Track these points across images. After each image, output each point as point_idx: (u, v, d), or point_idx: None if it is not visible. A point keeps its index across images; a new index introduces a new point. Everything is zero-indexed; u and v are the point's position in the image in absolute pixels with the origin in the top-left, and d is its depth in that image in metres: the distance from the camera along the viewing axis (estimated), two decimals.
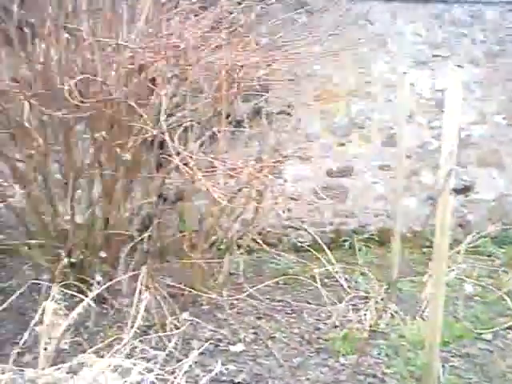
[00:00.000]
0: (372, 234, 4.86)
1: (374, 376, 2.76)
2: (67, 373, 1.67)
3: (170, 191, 3.90)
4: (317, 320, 3.40)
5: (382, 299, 3.51)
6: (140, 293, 2.68)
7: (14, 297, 2.12)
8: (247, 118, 3.90)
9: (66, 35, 2.90)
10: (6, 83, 2.83)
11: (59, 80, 2.90)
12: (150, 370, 1.70)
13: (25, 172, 3.09)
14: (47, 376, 1.58)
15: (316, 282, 3.67)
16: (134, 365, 1.65)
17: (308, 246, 4.36)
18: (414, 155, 4.86)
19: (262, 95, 4.37)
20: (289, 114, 4.68)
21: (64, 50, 2.90)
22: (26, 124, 2.83)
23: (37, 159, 2.99)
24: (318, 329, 3.28)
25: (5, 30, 3.06)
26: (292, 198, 4.60)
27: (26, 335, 2.03)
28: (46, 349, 1.65)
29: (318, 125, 4.82)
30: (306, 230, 4.70)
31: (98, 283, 2.16)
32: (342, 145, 4.87)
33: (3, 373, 1.63)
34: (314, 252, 4.07)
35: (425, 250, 4.54)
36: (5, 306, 1.84)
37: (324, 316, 3.44)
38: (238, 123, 3.84)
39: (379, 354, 2.98)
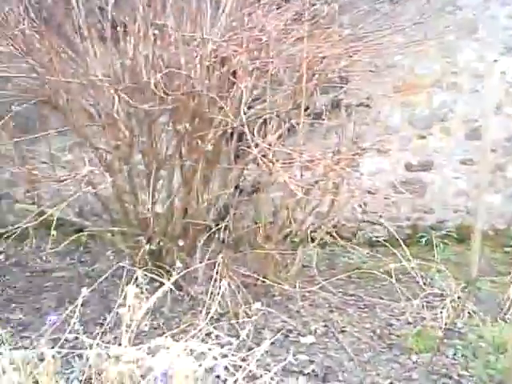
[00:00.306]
0: (450, 231, 4.70)
1: (449, 377, 2.68)
2: (147, 353, 1.78)
3: (246, 183, 3.98)
4: (389, 316, 3.35)
5: (459, 298, 3.40)
6: (215, 281, 2.77)
7: (100, 280, 2.28)
8: (326, 110, 3.88)
9: (154, 31, 3.02)
10: (98, 78, 3.00)
11: (146, 74, 3.05)
12: (224, 356, 1.78)
13: (111, 162, 3.28)
14: (129, 354, 1.69)
15: (390, 278, 3.61)
16: (209, 349, 1.72)
17: (383, 240, 4.29)
18: (500, 149, 4.63)
19: (342, 87, 4.34)
20: (368, 106, 4.61)
21: (151, 45, 3.03)
22: (116, 116, 2.99)
23: (122, 150, 3.16)
24: (391, 325, 3.24)
25: (100, 29, 3.25)
26: (369, 192, 4.54)
27: (109, 316, 2.19)
28: (127, 330, 1.77)
29: (398, 117, 4.70)
30: (381, 224, 4.62)
31: (178, 269, 2.26)
32: (423, 138, 4.73)
33: (90, 348, 1.76)
34: (390, 247, 4.00)
35: (508, 249, 4.34)
36: (90, 288, 1.98)
37: (397, 312, 3.38)
38: (317, 115, 3.83)
39: (455, 354, 2.89)
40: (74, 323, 1.70)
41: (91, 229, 3.48)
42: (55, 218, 2.66)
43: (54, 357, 1.58)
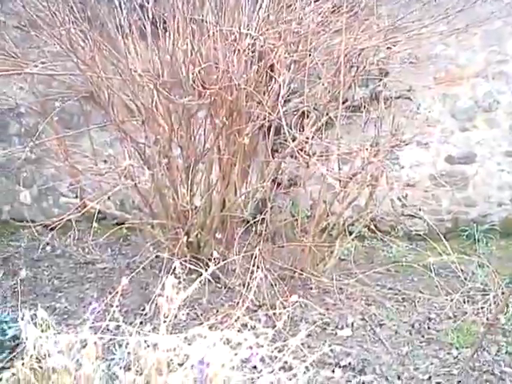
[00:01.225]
0: (494, 225, 4.56)
1: (492, 373, 2.61)
2: (184, 342, 1.82)
3: (283, 176, 3.99)
4: (429, 310, 3.30)
5: (502, 293, 3.31)
6: (252, 273, 2.80)
7: (138, 269, 2.35)
8: (364, 102, 3.84)
9: (193, 27, 3.06)
10: (138, 73, 3.07)
11: (184, 69, 3.10)
12: (260, 346, 1.80)
13: (151, 156, 3.35)
14: (167, 342, 1.73)
15: (430, 272, 3.56)
16: (245, 339, 1.75)
17: (423, 234, 4.22)
18: None
19: (381, 79, 4.28)
20: (408, 98, 4.52)
21: (190, 41, 3.07)
22: (155, 111, 3.05)
23: (162, 144, 3.22)
24: (430, 319, 3.19)
25: (140, 27, 3.32)
26: (408, 185, 4.47)
27: (148, 307, 2.25)
28: (165, 320, 1.81)
29: (440, 109, 4.59)
30: (421, 218, 4.54)
31: (216, 260, 2.29)
32: (465, 129, 4.61)
33: (130, 335, 1.80)
34: (430, 241, 3.93)
35: None
36: (130, 277, 2.04)
37: (437, 306, 3.33)
38: (355, 108, 3.79)
39: (498, 350, 2.81)
40: (114, 312, 1.76)
41: (132, 221, 3.57)
42: (97, 211, 2.75)
43: (95, 343, 1.64)
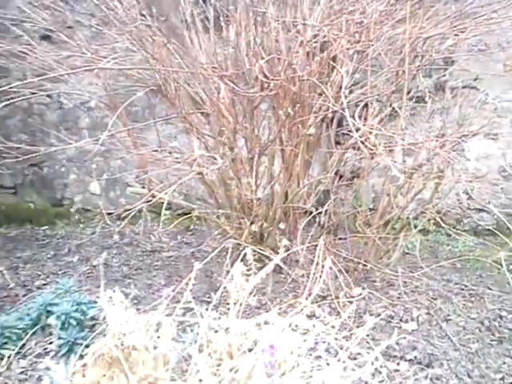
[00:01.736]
0: None
1: None
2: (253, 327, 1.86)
3: (346, 168, 3.96)
4: (499, 307, 3.20)
5: None
6: (317, 264, 2.81)
7: (210, 257, 2.40)
8: (429, 92, 3.75)
9: (256, 18, 3.09)
10: (203, 66, 3.14)
11: (247, 61, 3.14)
12: (328, 334, 1.81)
13: (215, 148, 3.41)
14: (238, 326, 1.78)
15: (500, 267, 3.43)
16: (314, 326, 1.77)
17: (491, 229, 4.07)
18: None
19: (446, 68, 4.15)
20: (475, 87, 4.37)
21: (253, 33, 3.11)
22: (220, 103, 3.11)
23: (226, 135, 3.27)
24: (501, 317, 3.09)
25: (204, 20, 3.39)
26: (476, 177, 4.33)
27: (214, 294, 2.28)
28: (235, 303, 1.86)
29: (510, 98, 4.41)
30: (489, 211, 4.39)
31: (284, 247, 2.32)
32: None
33: (202, 317, 1.86)
34: (500, 235, 3.79)
35: None
36: (203, 263, 2.10)
37: (508, 304, 3.23)
38: (420, 99, 3.71)
39: None
40: (187, 296, 1.82)
41: (197, 211, 3.65)
42: (166, 201, 2.83)
43: (171, 324, 1.71)
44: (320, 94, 3.29)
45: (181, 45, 3.34)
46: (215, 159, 2.82)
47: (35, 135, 5.02)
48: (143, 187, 4.64)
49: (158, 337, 1.69)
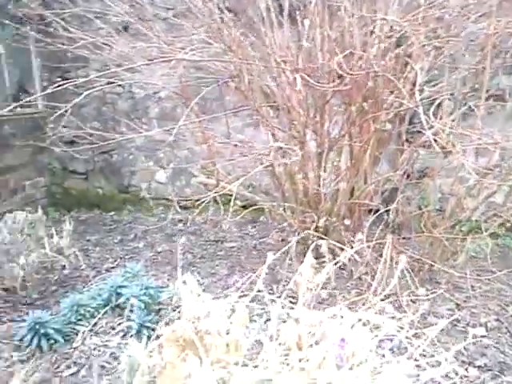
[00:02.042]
0: None
1: None
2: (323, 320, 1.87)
3: (414, 167, 3.87)
4: None
5: None
6: (382, 262, 2.77)
7: (284, 249, 2.42)
8: (510, 91, 3.60)
9: (332, 12, 3.08)
10: (277, 60, 3.16)
11: (321, 56, 3.13)
12: (398, 331, 1.80)
13: (284, 141, 3.43)
14: (308, 317, 1.79)
15: None
16: (383, 322, 1.76)
17: None
18: None
19: None
20: None
21: (327, 27, 3.09)
22: (296, 95, 3.11)
23: (296, 129, 3.28)
24: None
25: (279, 14, 3.41)
26: None
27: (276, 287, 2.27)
28: (303, 295, 1.87)
29: None
30: None
31: (356, 242, 2.31)
32: None
33: (272, 304, 1.88)
34: None
35: None
36: (278, 254, 2.12)
37: None
38: (497, 98, 3.57)
39: None
40: (259, 285, 1.85)
41: (262, 204, 3.68)
42: (234, 193, 2.88)
43: (244, 311, 1.75)
44: (391, 92, 3.23)
45: (256, 38, 3.38)
46: (292, 151, 2.83)
47: (107, 123, 5.23)
48: (208, 177, 4.73)
49: (231, 323, 1.74)
